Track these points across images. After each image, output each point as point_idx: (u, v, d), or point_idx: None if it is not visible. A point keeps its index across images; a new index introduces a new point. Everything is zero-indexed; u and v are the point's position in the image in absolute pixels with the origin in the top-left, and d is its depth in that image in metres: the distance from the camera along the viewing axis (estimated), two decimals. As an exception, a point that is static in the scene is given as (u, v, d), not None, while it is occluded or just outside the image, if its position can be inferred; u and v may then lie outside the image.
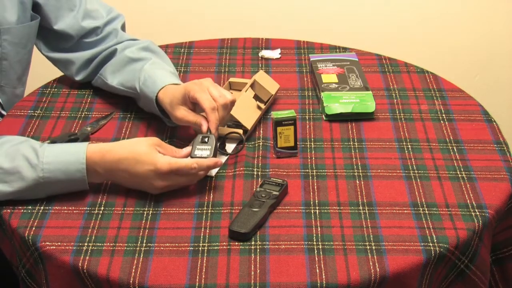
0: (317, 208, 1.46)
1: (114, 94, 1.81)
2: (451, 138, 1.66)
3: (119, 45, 1.81)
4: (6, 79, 1.77)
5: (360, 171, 1.56)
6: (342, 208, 1.46)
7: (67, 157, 1.45)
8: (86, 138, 1.64)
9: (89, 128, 1.69)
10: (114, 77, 1.77)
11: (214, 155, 1.51)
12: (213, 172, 1.55)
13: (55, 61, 1.85)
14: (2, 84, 1.77)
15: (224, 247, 1.37)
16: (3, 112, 1.79)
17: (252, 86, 1.75)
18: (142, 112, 1.75)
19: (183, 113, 1.58)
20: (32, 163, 1.44)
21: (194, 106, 1.58)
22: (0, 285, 1.73)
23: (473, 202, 1.47)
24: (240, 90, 1.77)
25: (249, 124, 1.66)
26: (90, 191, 1.49)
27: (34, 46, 1.83)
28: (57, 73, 1.91)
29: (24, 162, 1.44)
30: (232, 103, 1.57)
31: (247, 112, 1.67)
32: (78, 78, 1.83)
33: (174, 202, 1.48)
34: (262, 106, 1.73)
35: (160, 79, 1.66)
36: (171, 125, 1.68)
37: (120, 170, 1.46)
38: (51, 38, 1.82)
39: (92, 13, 1.81)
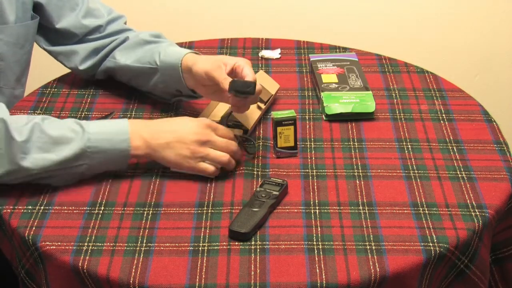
0: (317, 208, 1.46)
1: (114, 94, 1.81)
2: (451, 138, 1.66)
3: (130, 34, 1.82)
4: (4, 80, 1.77)
5: (360, 171, 1.56)
6: (342, 208, 1.46)
7: (111, 128, 1.49)
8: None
9: (89, 128, 1.69)
10: (128, 56, 1.78)
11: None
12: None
13: (56, 54, 1.83)
14: (0, 85, 1.77)
15: (224, 247, 1.37)
16: None
17: None
18: (142, 112, 1.75)
19: (216, 66, 1.60)
20: (78, 132, 1.47)
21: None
22: (0, 286, 1.73)
23: (473, 202, 1.47)
24: None
25: (249, 124, 1.66)
26: (90, 191, 1.49)
27: (34, 43, 1.83)
28: (57, 73, 1.91)
29: (70, 132, 1.47)
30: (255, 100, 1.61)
31: (247, 112, 1.67)
32: (82, 67, 1.82)
33: (174, 202, 1.48)
34: (262, 106, 1.73)
35: (183, 50, 1.70)
36: (188, 98, 1.74)
37: (164, 130, 1.50)
38: (53, 36, 1.82)
39: (94, 12, 1.81)
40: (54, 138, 1.46)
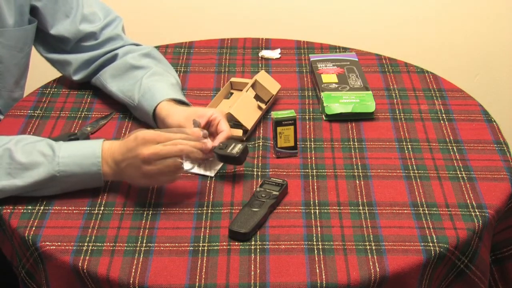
0: (317, 208, 1.46)
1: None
2: (451, 138, 1.66)
3: (120, 50, 1.80)
4: (3, 82, 1.77)
5: (360, 171, 1.56)
6: (342, 208, 1.46)
7: (83, 151, 1.46)
8: (86, 138, 1.64)
9: (89, 128, 1.69)
10: (113, 82, 1.76)
11: (243, 156, 1.51)
12: (213, 172, 1.55)
13: (52, 62, 1.85)
14: None
15: (224, 247, 1.37)
16: (1, 117, 1.79)
17: (253, 86, 1.75)
18: (142, 112, 1.75)
19: (190, 120, 1.57)
20: (48, 157, 1.45)
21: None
22: (1, 286, 1.72)
23: (473, 202, 1.47)
24: (241, 90, 1.77)
25: (249, 124, 1.65)
26: (90, 191, 1.49)
27: (33, 49, 1.83)
28: (57, 73, 1.91)
29: (40, 157, 1.45)
30: None
31: (247, 112, 1.67)
32: (75, 78, 1.82)
33: (174, 202, 1.48)
34: (263, 106, 1.73)
35: (159, 92, 1.66)
36: None
37: (122, 153, 1.45)
38: (49, 41, 1.82)
39: (89, 17, 1.80)
40: (23, 164, 1.45)
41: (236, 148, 1.51)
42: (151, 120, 1.66)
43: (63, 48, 1.81)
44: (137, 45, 1.83)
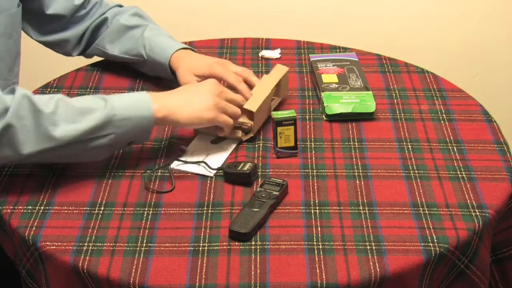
0: (317, 208, 1.46)
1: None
2: (451, 138, 1.66)
3: (108, 13, 1.87)
4: None
5: (360, 171, 1.56)
6: (342, 208, 1.46)
7: (132, 96, 1.52)
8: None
9: (89, 128, 1.69)
10: (114, 46, 1.84)
11: (253, 174, 1.53)
12: (213, 172, 1.55)
13: (49, 44, 1.88)
14: None
15: (224, 247, 1.37)
16: None
17: (278, 84, 1.73)
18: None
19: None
20: (101, 103, 1.48)
21: None
22: (4, 285, 1.72)
23: (473, 202, 1.47)
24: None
25: (254, 130, 1.64)
26: (90, 191, 1.49)
27: (25, 35, 1.84)
28: (57, 73, 1.91)
29: (94, 104, 1.48)
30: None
31: (261, 116, 1.67)
32: (74, 54, 1.89)
33: (174, 202, 1.48)
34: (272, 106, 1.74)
35: (167, 45, 1.78)
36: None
37: (179, 91, 1.58)
38: (44, 22, 1.84)
39: None
40: (79, 109, 1.46)
41: (247, 166, 1.52)
42: (165, 71, 1.77)
43: (57, 27, 1.85)
44: (120, 6, 1.91)
